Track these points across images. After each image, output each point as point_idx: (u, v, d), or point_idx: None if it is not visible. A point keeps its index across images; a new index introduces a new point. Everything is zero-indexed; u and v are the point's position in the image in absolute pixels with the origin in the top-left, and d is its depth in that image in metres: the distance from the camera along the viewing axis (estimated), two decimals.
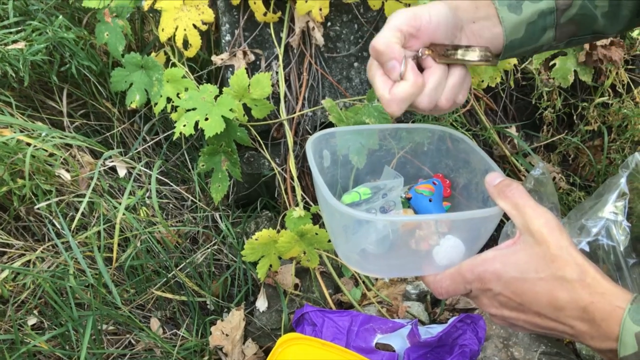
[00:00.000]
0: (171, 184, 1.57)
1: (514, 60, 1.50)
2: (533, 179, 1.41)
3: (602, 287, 0.62)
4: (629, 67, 1.67)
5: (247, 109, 1.42)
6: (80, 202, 1.37)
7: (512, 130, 1.68)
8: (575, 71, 1.59)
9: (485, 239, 0.78)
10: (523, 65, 1.64)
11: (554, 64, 1.59)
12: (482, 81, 1.49)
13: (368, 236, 0.76)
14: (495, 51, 0.80)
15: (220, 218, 1.55)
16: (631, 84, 1.65)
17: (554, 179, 1.66)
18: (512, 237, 0.69)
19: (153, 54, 1.49)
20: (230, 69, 1.48)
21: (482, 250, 0.73)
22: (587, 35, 0.85)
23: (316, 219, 1.37)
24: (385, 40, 0.70)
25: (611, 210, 1.27)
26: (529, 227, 0.66)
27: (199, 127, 1.32)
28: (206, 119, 1.32)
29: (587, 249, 1.27)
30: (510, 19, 0.77)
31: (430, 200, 0.86)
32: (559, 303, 0.63)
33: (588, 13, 0.81)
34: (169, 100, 1.42)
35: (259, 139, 1.47)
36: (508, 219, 0.71)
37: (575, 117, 1.72)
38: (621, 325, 0.60)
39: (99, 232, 1.35)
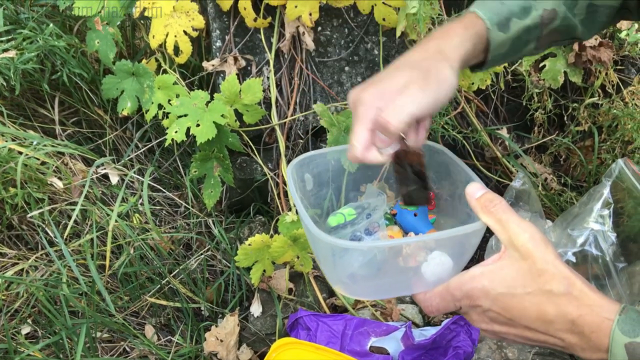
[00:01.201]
0: (164, 190, 1.57)
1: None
2: (514, 191, 1.42)
3: (590, 299, 0.63)
4: (618, 67, 1.68)
5: (238, 115, 1.42)
6: (72, 210, 1.37)
7: (503, 132, 1.69)
8: (565, 72, 1.59)
9: (471, 253, 0.78)
10: (513, 67, 1.65)
11: (544, 66, 1.59)
12: (473, 83, 1.49)
13: (355, 260, 0.76)
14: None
15: (214, 224, 1.55)
16: (620, 84, 1.66)
17: (545, 179, 1.67)
18: (497, 251, 0.69)
19: (144, 60, 1.49)
20: (222, 75, 1.48)
21: (469, 264, 0.73)
22: (565, 40, 0.88)
23: None
24: (402, 125, 0.71)
25: (596, 220, 1.27)
26: (513, 242, 0.66)
27: (190, 134, 1.32)
28: (198, 125, 1.32)
29: (573, 259, 1.28)
30: (498, 38, 0.80)
31: (415, 215, 0.87)
32: (547, 317, 0.64)
33: (570, 23, 0.84)
34: (160, 106, 1.42)
35: (250, 144, 1.47)
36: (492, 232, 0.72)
37: (565, 117, 1.72)
38: (610, 336, 0.61)
39: (91, 239, 1.35)
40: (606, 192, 1.27)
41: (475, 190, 0.72)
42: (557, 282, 0.63)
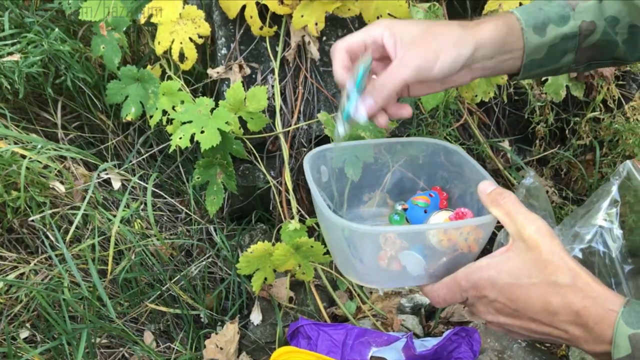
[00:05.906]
0: (165, 196, 1.57)
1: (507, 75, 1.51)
2: (524, 188, 1.42)
3: (594, 291, 0.63)
4: (620, 82, 1.69)
5: (242, 122, 1.43)
6: (74, 214, 1.37)
7: (505, 145, 1.70)
8: (567, 86, 1.60)
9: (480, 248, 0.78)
10: (516, 81, 1.66)
11: (546, 79, 1.60)
12: (476, 96, 1.50)
13: (366, 245, 0.76)
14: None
15: (215, 231, 1.55)
16: (622, 99, 1.68)
17: (546, 192, 1.68)
18: (506, 245, 0.70)
19: (149, 66, 1.50)
20: (226, 82, 1.48)
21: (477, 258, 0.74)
22: (607, 60, 0.87)
23: (311, 231, 1.37)
24: (392, 89, 0.76)
25: (603, 217, 1.28)
26: (521, 233, 0.67)
27: (194, 140, 1.32)
28: (202, 132, 1.32)
29: (580, 255, 1.28)
30: (533, 40, 0.80)
31: (425, 212, 0.87)
32: (552, 308, 0.64)
33: (610, 39, 0.84)
34: (164, 112, 1.42)
35: (254, 151, 1.47)
36: (501, 227, 0.72)
37: (567, 131, 1.73)
38: (614, 327, 0.61)
39: (93, 244, 1.35)
40: (614, 190, 1.28)
41: (487, 187, 0.74)
42: (562, 273, 0.64)
